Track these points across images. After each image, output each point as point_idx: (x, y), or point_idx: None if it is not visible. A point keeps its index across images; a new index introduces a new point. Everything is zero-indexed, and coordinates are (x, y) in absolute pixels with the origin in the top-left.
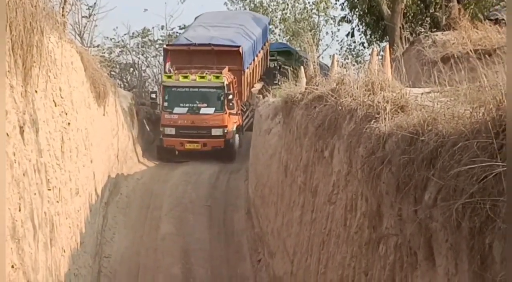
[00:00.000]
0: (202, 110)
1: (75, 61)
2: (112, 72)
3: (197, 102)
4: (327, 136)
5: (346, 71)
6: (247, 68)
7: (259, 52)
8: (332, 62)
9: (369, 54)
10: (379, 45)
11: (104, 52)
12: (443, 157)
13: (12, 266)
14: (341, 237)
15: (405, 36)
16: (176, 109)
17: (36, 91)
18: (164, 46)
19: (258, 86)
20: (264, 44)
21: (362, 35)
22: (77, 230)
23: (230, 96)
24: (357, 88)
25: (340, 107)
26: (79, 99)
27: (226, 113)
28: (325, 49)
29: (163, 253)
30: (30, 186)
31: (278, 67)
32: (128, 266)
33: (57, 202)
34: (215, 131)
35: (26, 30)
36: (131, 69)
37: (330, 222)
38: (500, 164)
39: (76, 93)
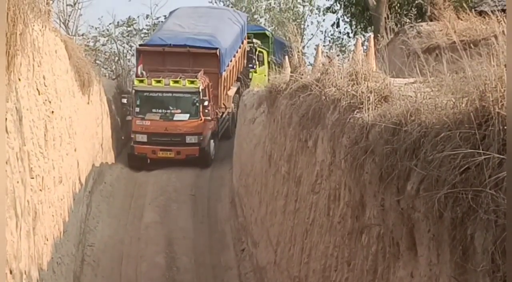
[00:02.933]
0: (176, 117)
1: (59, 49)
2: (97, 61)
3: (171, 108)
4: (311, 126)
5: (331, 61)
6: (224, 70)
7: (237, 51)
8: (317, 52)
9: (354, 45)
10: (364, 35)
11: (89, 41)
12: (425, 147)
13: None
14: (324, 227)
15: (390, 27)
16: (148, 115)
17: (19, 79)
18: (137, 46)
19: (234, 87)
20: (242, 42)
21: (347, 25)
22: (60, 219)
23: (206, 103)
24: (341, 78)
25: (324, 97)
26: (63, 88)
27: (201, 119)
28: (310, 39)
29: (146, 241)
30: (13, 174)
31: (254, 50)
32: (111, 254)
33: (40, 190)
34: (189, 139)
35: (10, 18)
36: (116, 58)
37: (314, 211)
38: (482, 152)
39: (60, 81)
